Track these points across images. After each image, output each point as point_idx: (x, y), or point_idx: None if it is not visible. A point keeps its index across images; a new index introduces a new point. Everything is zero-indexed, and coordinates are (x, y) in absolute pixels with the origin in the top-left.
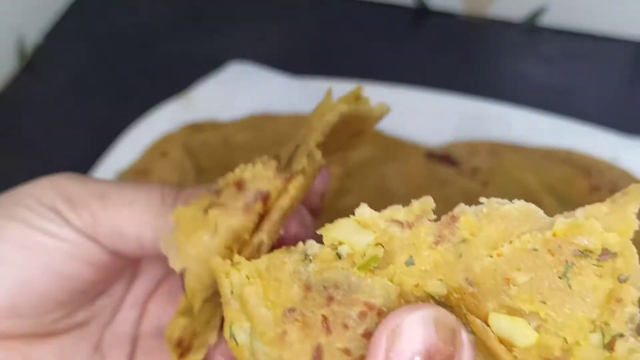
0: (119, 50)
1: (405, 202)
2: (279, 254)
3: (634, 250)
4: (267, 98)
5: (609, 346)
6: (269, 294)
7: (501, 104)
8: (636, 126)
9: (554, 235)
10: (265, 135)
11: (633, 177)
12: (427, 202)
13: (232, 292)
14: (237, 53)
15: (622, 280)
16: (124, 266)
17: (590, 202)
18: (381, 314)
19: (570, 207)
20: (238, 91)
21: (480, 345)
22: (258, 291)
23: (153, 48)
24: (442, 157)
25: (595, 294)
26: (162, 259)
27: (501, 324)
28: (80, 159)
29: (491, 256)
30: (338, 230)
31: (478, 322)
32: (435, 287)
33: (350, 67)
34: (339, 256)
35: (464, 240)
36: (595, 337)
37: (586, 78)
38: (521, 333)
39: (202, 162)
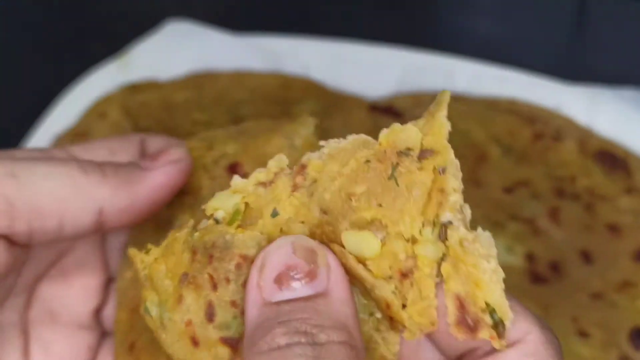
0: (51, 9)
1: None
2: (175, 232)
3: (449, 146)
4: (207, 56)
5: (442, 236)
6: (169, 267)
7: (444, 56)
8: (580, 74)
9: (380, 144)
10: (206, 94)
11: (576, 124)
12: (281, 160)
13: (145, 275)
14: (175, 12)
15: (441, 172)
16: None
17: (534, 151)
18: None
19: (515, 156)
20: (177, 50)
21: (351, 276)
22: (161, 267)
23: (86, 6)
24: (386, 109)
25: (421, 188)
26: (78, 242)
27: (350, 240)
28: (15, 123)
29: (335, 180)
30: (216, 201)
31: (336, 247)
32: (298, 229)
33: (289, 22)
34: (216, 221)
35: (314, 181)
36: (429, 231)
37: (530, 29)
38: (367, 244)
39: (142, 123)
